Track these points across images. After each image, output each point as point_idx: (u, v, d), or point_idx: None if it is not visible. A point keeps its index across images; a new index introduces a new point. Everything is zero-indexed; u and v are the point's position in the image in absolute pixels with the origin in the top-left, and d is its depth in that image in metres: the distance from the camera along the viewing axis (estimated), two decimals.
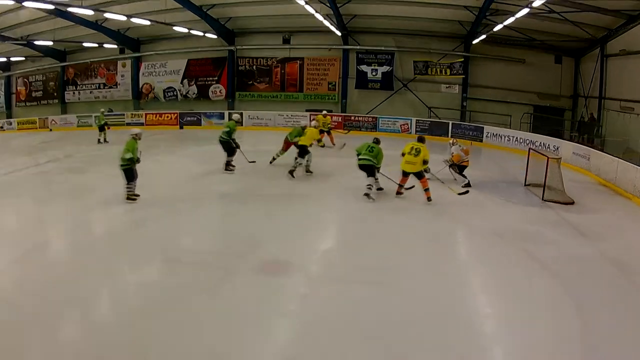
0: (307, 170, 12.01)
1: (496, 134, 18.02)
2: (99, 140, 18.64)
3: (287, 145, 12.89)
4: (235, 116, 14.04)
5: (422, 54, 21.21)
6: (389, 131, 20.67)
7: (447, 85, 21.52)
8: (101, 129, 18.71)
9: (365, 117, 21.45)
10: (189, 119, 23.52)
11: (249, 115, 22.64)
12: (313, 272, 6.71)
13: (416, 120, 20.59)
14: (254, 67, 23.67)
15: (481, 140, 18.39)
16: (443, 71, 21.14)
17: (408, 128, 20.59)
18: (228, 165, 12.42)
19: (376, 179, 10.14)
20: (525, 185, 11.43)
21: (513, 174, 12.74)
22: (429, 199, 9.68)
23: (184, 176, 12.38)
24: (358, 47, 21.92)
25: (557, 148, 14.71)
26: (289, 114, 22.18)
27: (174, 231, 8.35)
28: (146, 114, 24.22)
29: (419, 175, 9.75)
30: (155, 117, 24.00)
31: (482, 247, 7.69)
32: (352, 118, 21.56)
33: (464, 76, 21.04)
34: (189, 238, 8.09)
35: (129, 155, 9.32)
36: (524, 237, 7.98)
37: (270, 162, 13.03)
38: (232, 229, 8.50)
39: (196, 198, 10.26)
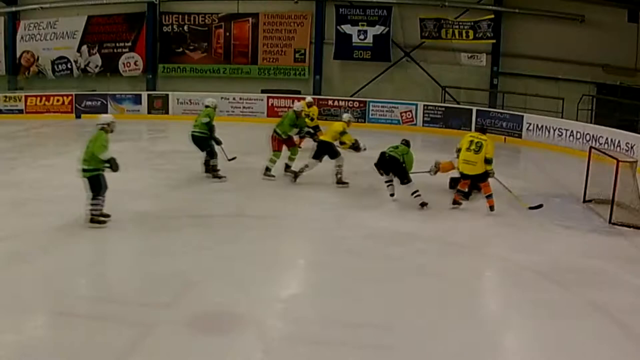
0: (340, 181, 11.92)
1: (542, 126, 17.51)
2: None
3: (278, 142, 12.33)
4: (211, 101, 13.40)
5: (433, 9, 20.40)
6: (385, 122, 20.12)
7: (470, 55, 20.61)
8: None
9: (349, 100, 20.66)
10: (89, 103, 21.93)
11: (177, 99, 21.62)
12: (273, 330, 6.42)
13: (424, 105, 19.84)
14: (186, 27, 22.83)
15: (520, 136, 17.94)
16: (464, 34, 20.28)
17: (412, 117, 19.83)
18: (215, 171, 12.29)
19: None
20: (584, 201, 11.40)
21: (566, 185, 12.84)
22: (491, 208, 10.47)
23: (82, 188, 11.31)
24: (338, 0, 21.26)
25: (632, 147, 14.42)
26: (237, 97, 21.24)
27: (70, 270, 8.00)
28: (26, 97, 22.26)
29: (482, 179, 10.53)
30: (40, 101, 22.28)
31: (523, 294, 7.44)
32: (329, 103, 20.70)
33: (494, 41, 20.10)
34: (91, 280, 7.85)
35: (106, 155, 9.04)
36: (583, 278, 7.91)
37: (266, 174, 12.37)
38: (154, 267, 8.16)
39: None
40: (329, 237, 9.37)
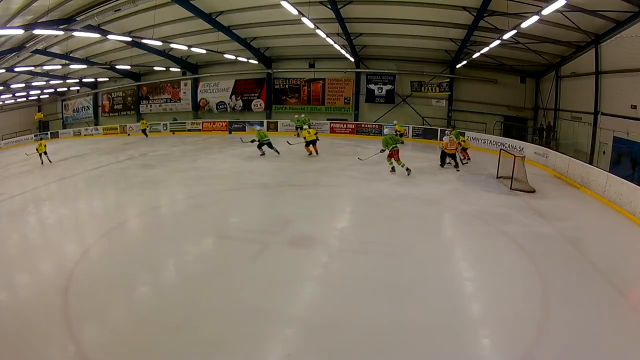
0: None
1: (475, 138, 17.90)
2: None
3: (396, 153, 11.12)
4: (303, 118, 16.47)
5: (417, 76, 21.11)
6: None
7: (437, 100, 21.27)
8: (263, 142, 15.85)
9: (372, 124, 21.44)
10: (235, 126, 23.67)
11: (282, 123, 22.75)
12: (332, 245, 6.52)
13: (412, 127, 20.51)
14: (287, 86, 23.37)
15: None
16: (433, 89, 21.01)
17: (406, 133, 20.54)
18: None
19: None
20: (497, 177, 11.33)
21: (488, 169, 12.57)
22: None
23: (232, 170, 12.11)
24: (367, 70, 21.75)
25: (522, 149, 14.68)
26: (313, 122, 21.73)
27: (225, 214, 8.23)
28: (203, 122, 24.39)
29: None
30: (210, 124, 24.16)
31: (465, 226, 7.56)
32: (363, 125, 21.47)
33: (449, 93, 20.87)
34: (236, 219, 7.92)
35: None
36: (496, 218, 7.82)
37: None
38: (269, 212, 8.27)
39: (242, 188, 10.14)
40: (360, 196, 9.28)
